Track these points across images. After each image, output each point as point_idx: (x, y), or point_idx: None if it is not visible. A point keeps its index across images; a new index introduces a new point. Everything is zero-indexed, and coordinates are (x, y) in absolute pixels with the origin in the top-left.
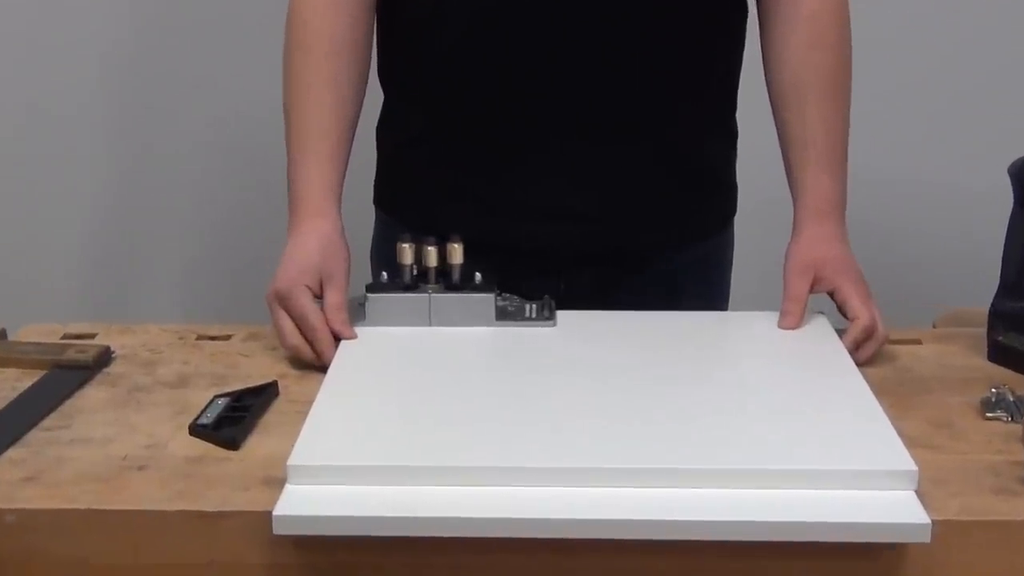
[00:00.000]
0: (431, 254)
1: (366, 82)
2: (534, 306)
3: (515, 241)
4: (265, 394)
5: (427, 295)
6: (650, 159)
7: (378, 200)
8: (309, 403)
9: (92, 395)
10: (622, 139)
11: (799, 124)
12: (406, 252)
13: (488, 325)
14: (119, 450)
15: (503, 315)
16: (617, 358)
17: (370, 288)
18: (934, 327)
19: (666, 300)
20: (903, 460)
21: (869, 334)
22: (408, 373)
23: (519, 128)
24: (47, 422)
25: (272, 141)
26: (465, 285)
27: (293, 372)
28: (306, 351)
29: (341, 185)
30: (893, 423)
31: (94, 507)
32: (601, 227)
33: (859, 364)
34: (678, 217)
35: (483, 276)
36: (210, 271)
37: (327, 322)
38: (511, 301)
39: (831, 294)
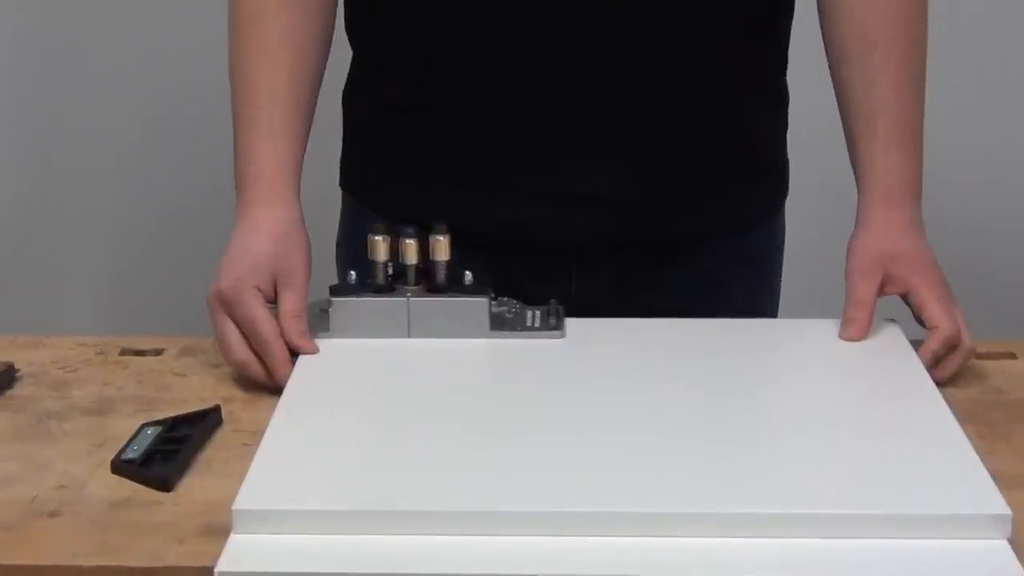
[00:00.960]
0: (410, 248)
1: (331, 36)
2: (538, 313)
3: (517, 231)
4: (205, 422)
5: (405, 299)
6: (684, 130)
7: (345, 182)
8: (259, 434)
9: None
10: (651, 106)
11: (864, 86)
12: (380, 246)
13: (481, 336)
14: (26, 492)
15: (499, 324)
16: (641, 379)
17: (335, 291)
18: None
19: (702, 304)
20: (994, 503)
21: (952, 346)
22: (381, 397)
23: (528, 93)
24: None
25: (206, 120)
26: (453, 287)
27: (240, 395)
28: (256, 369)
29: (300, 162)
30: (981, 457)
31: None
32: (624, 213)
33: (939, 383)
34: (718, 201)
35: (475, 276)
36: (137, 271)
37: (282, 333)
38: (509, 307)
39: (904, 297)
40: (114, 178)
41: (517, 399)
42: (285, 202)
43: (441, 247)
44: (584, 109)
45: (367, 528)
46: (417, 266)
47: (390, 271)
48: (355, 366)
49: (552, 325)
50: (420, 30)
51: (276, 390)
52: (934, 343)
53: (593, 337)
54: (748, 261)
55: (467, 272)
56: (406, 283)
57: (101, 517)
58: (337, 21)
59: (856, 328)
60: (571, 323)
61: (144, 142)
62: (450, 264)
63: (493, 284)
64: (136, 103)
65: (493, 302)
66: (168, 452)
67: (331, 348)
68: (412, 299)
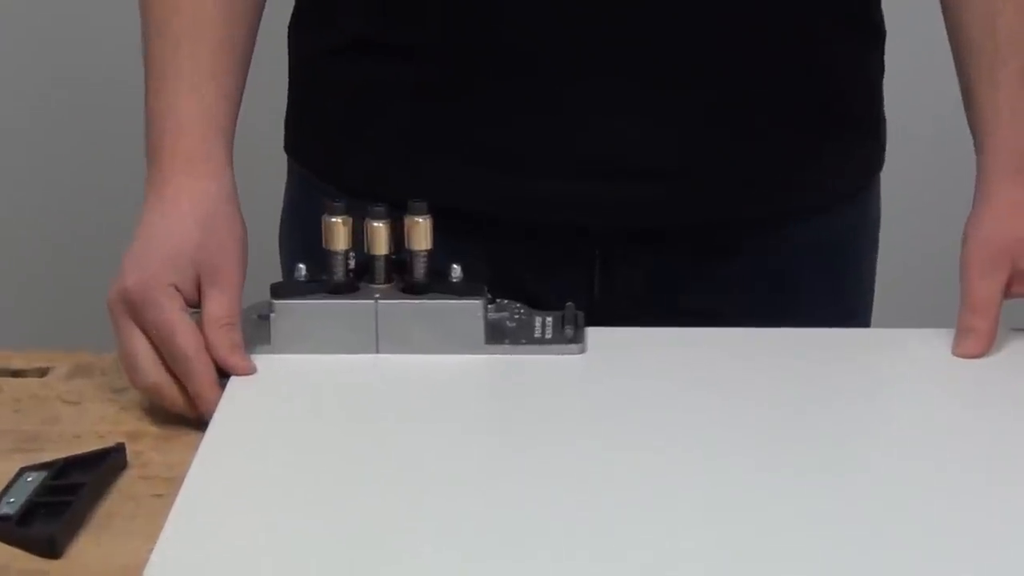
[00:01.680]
0: (379, 233)
1: None
2: (550, 320)
3: (523, 212)
4: (104, 466)
5: (372, 302)
6: (748, 76)
7: (292, 145)
8: (176, 481)
9: None
10: (706, 43)
11: (984, 28)
12: (338, 231)
13: (473, 352)
14: None
15: (498, 335)
16: (688, 414)
17: (278, 290)
18: None
19: (768, 311)
20: None
21: None
22: (338, 436)
23: (545, 27)
24: None
25: (85, 101)
26: (436, 285)
27: (151, 430)
28: (172, 394)
29: (233, 118)
30: None
31: None
32: (668, 190)
33: None
34: (793, 172)
35: (466, 271)
36: (13, 268)
37: (207, 346)
38: (512, 312)
39: None
40: None
41: (521, 441)
42: (213, 171)
43: (420, 232)
44: (619, 48)
45: None
46: (388, 257)
47: (352, 264)
48: (304, 393)
49: (568, 337)
50: None
51: (199, 423)
52: None
53: (622, 354)
54: (832, 252)
55: (455, 266)
56: (373, 280)
57: None
58: None
59: (975, 341)
60: (593, 334)
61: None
62: (433, 255)
63: (490, 282)
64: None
65: (490, 306)
66: (55, 505)
67: (272, 367)
68: (381, 302)
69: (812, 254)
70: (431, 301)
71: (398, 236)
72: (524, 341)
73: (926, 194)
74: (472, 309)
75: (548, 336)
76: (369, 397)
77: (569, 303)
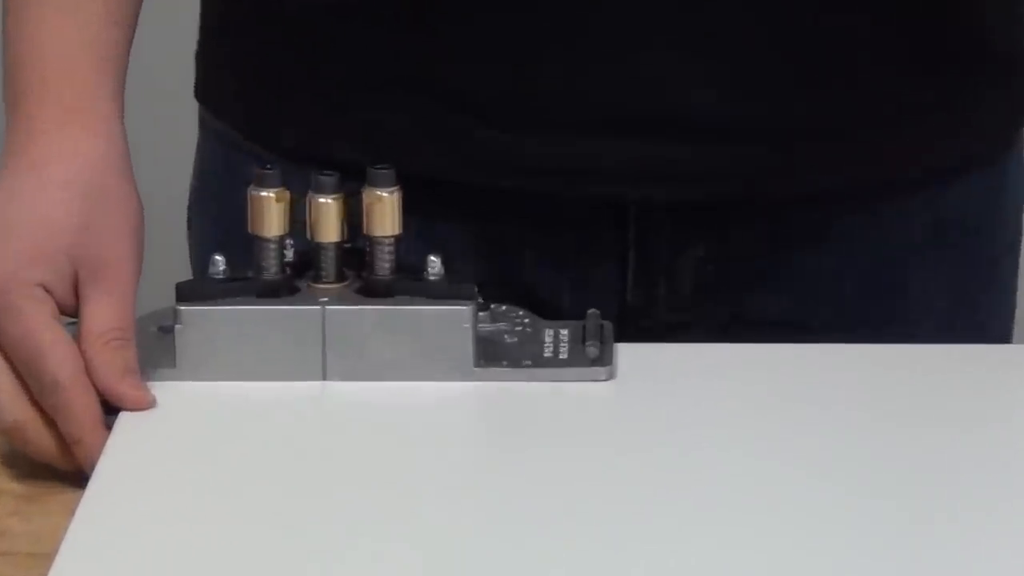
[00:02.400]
0: (328, 212)
1: None
2: (565, 333)
3: (531, 181)
4: None
5: (317, 308)
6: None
7: (205, 92)
8: (47, 558)
9: None
10: None
11: None
12: (269, 209)
13: (458, 378)
14: None
15: (493, 354)
16: (757, 463)
17: (186, 293)
18: None
19: (870, 316)
20: None
21: None
22: (262, 495)
23: None
24: None
25: None
26: (406, 285)
27: (11, 487)
28: (40, 438)
29: (125, 54)
30: None
31: None
32: (729, 151)
33: None
34: (902, 126)
35: (447, 265)
36: None
37: (88, 371)
38: (512, 321)
39: None
40: None
41: (522, 509)
42: (97, 125)
43: (385, 211)
44: None
45: None
46: (340, 246)
47: (289, 255)
48: (220, 435)
49: (591, 357)
50: None
51: (77, 478)
52: None
53: (665, 381)
54: (957, 240)
55: (433, 258)
56: (319, 278)
57: None
58: None
59: None
60: (625, 353)
61: None
62: (401, 242)
63: (483, 280)
64: None
65: (483, 313)
66: None
67: (177, 399)
68: (330, 308)
69: (930, 243)
70: (400, 307)
71: (354, 217)
72: (529, 363)
73: None
74: (457, 318)
75: (562, 356)
76: (310, 443)
77: (592, 310)
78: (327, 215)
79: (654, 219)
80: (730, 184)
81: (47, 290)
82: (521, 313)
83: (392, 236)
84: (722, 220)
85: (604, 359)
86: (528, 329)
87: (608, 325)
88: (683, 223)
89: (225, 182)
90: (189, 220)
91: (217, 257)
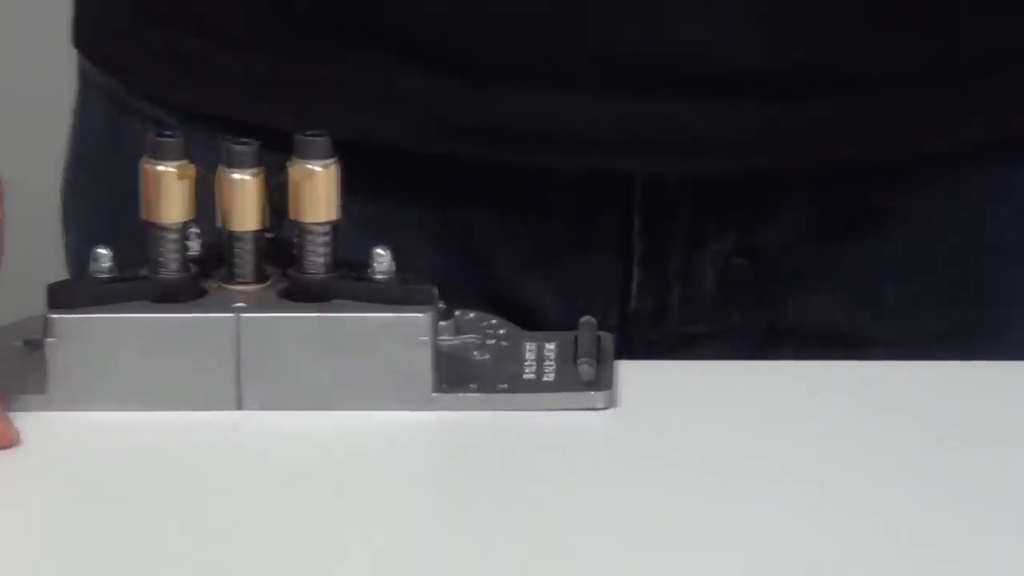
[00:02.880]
0: (244, 192)
1: None
2: (551, 347)
3: (512, 151)
4: None
5: (231, 317)
6: None
7: (79, 34)
8: None
9: None
10: None
11: None
12: (168, 187)
13: (413, 406)
14: None
15: (458, 375)
16: (796, 516)
17: (60, 298)
18: None
19: (947, 326)
20: None
21: None
22: (161, 556)
23: None
24: None
25: None
26: (346, 286)
27: None
28: None
29: None
30: None
31: None
32: (768, 107)
33: None
34: (994, 69)
35: (401, 259)
36: None
37: None
38: (484, 332)
39: None
40: None
41: (492, 572)
42: None
43: (318, 189)
44: None
45: None
46: (260, 235)
47: (194, 247)
48: (104, 482)
49: (584, 379)
50: None
51: None
52: None
53: (679, 407)
54: None
55: (379, 251)
56: (233, 277)
57: None
58: None
59: None
60: (628, 373)
61: None
62: (339, 231)
63: (444, 279)
64: None
65: (444, 322)
66: None
67: (48, 435)
68: (246, 316)
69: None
70: (337, 315)
71: (277, 198)
72: (505, 386)
73: None
74: (411, 328)
75: (548, 377)
76: (218, 493)
77: (586, 318)
78: (243, 196)
79: (667, 200)
80: (768, 154)
81: None
82: (494, 322)
83: (327, 223)
84: (757, 201)
85: (602, 381)
86: (504, 343)
87: (607, 337)
88: (705, 205)
89: (110, 154)
90: (63, 203)
91: (100, 251)
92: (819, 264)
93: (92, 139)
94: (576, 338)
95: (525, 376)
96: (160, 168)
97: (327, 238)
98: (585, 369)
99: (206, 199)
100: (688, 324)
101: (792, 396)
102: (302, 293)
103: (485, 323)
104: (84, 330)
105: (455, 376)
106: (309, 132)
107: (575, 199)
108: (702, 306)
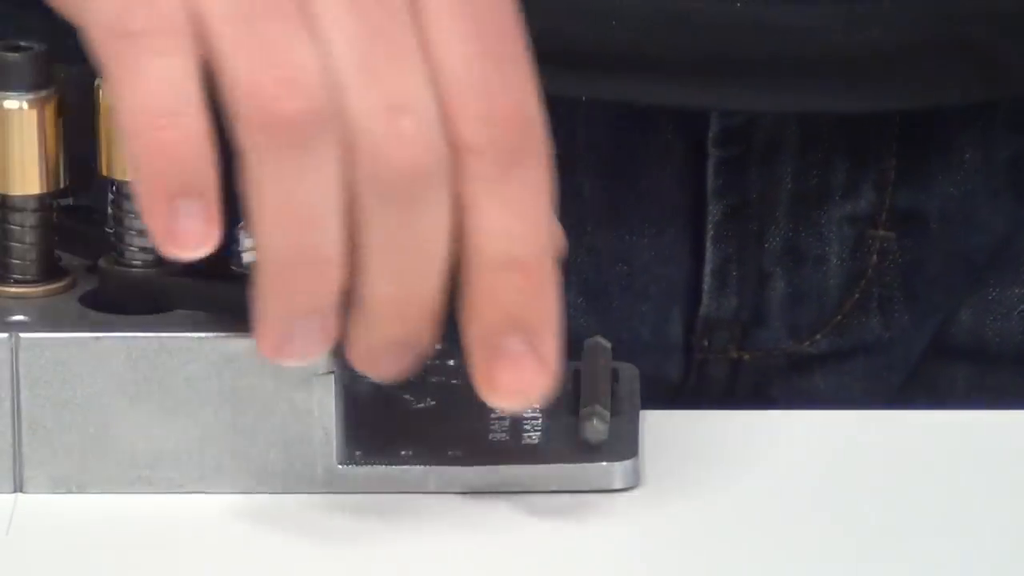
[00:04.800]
0: (19, 132)
1: None
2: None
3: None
4: None
5: (4, 337)
6: None
7: None
8: None
9: None
10: None
11: None
12: None
13: (307, 488)
14: None
15: (382, 436)
16: None
17: None
18: None
19: None
20: None
21: None
22: None
23: None
24: None
25: None
26: (185, 288)
27: None
28: None
29: None
30: None
31: None
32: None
33: None
34: None
35: None
36: None
37: None
38: (425, 364)
39: None
40: None
41: None
42: None
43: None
44: None
45: None
46: (48, 203)
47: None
48: None
49: (593, 440)
50: None
51: None
52: None
53: (715, 481)
54: None
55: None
56: (7, 271)
57: None
58: None
59: None
60: (660, 427)
61: None
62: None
63: None
64: None
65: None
66: None
67: None
68: (27, 338)
69: None
70: (179, 336)
71: (78, 135)
72: (457, 453)
73: None
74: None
75: (529, 438)
76: None
77: (595, 339)
78: (20, 137)
79: (761, 136)
80: (949, 61)
81: None
82: (438, 348)
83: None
84: (912, 140)
85: (621, 446)
86: (455, 381)
87: (627, 370)
88: (824, 143)
89: None
90: None
91: None
92: (1012, 243)
93: None
94: (577, 372)
95: (492, 436)
96: None
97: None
98: (593, 426)
99: None
100: (797, 337)
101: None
102: (120, 299)
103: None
104: None
105: (375, 438)
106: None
107: (595, 153)
108: (820, 309)
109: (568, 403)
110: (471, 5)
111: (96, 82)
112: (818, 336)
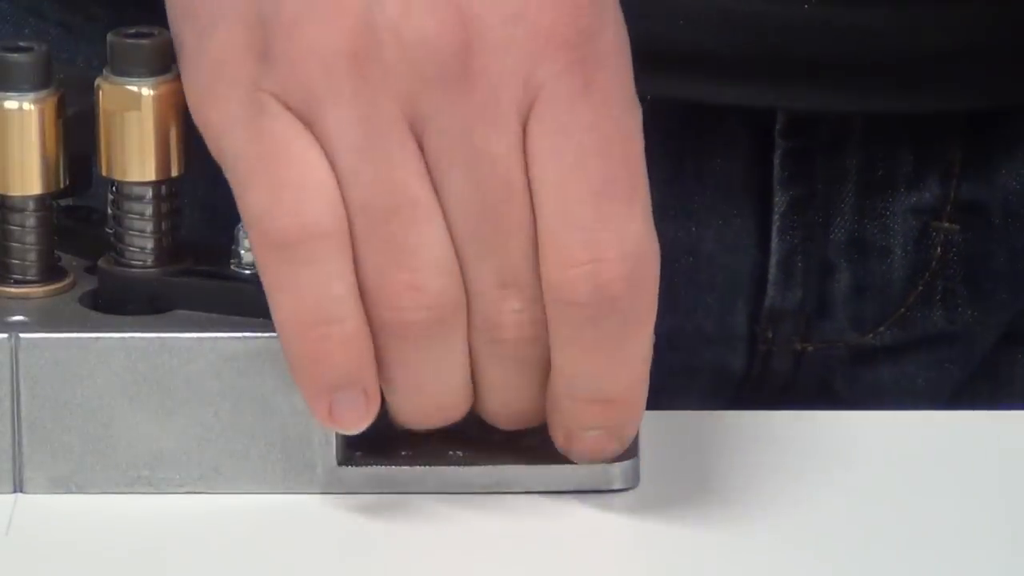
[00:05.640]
0: (19, 134)
1: None
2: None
3: None
4: None
5: (4, 338)
6: None
7: None
8: None
9: None
10: None
11: None
12: None
13: (307, 487)
14: None
15: (380, 436)
16: None
17: None
18: None
19: None
20: None
21: None
22: None
23: None
24: None
25: None
26: (188, 287)
27: None
28: None
29: None
30: None
31: None
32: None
33: None
34: None
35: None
36: None
37: None
38: None
39: None
40: None
41: None
42: None
43: (143, 127)
44: None
45: None
46: (48, 204)
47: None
48: None
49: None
50: None
51: None
52: None
53: (714, 482)
54: None
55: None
56: (8, 271)
57: None
58: None
59: None
60: (655, 423)
61: None
62: (182, 197)
63: None
64: None
65: None
66: None
67: None
68: (27, 338)
69: None
70: (178, 336)
71: (78, 135)
72: (458, 454)
73: None
74: None
75: (530, 439)
76: None
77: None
78: (21, 137)
79: (827, 129)
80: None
81: None
82: None
83: (162, 182)
84: (976, 131)
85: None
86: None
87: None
88: (889, 146)
89: None
90: None
91: None
92: None
93: None
94: None
95: (491, 438)
96: None
97: (162, 208)
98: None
99: None
100: (861, 329)
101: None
102: (119, 300)
103: None
104: None
105: (375, 438)
106: (132, 29)
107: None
108: (883, 301)
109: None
110: (590, 155)
111: (96, 82)
112: (881, 328)
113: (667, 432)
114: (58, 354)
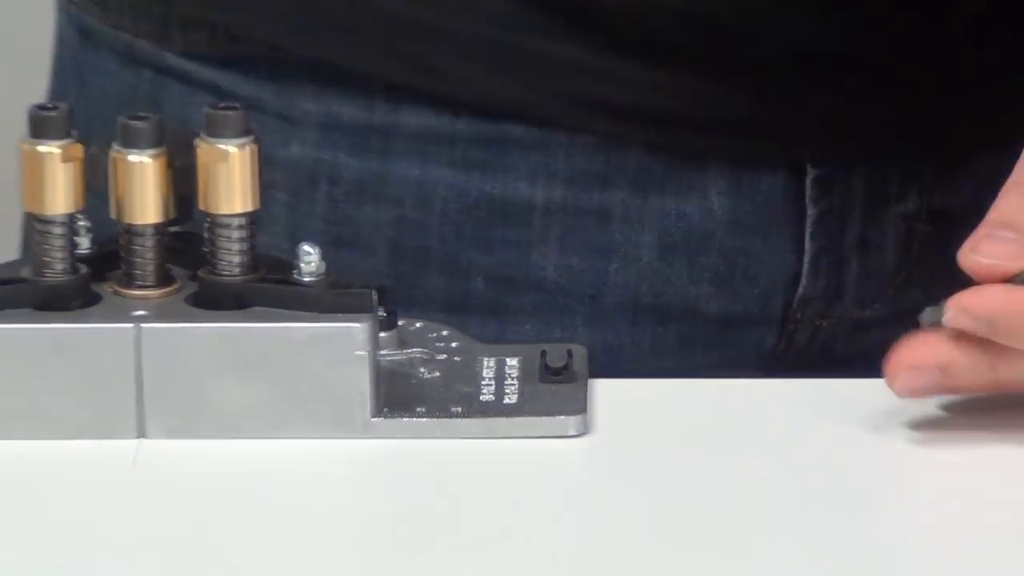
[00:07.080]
0: (142, 177)
1: None
2: (514, 363)
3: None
4: None
5: (131, 327)
6: None
7: None
8: None
9: None
10: None
11: None
12: (50, 170)
13: (348, 434)
14: None
15: (402, 396)
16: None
17: None
18: None
19: None
20: None
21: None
22: None
23: None
24: None
25: None
26: (262, 292)
27: None
28: None
29: None
30: None
31: None
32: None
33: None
34: None
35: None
36: None
37: None
38: (433, 345)
39: None
40: None
41: None
42: None
43: (232, 173)
44: None
45: None
46: (163, 229)
47: (84, 243)
48: None
49: (552, 399)
50: None
51: None
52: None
53: (657, 431)
54: None
55: (307, 248)
56: (132, 280)
57: None
58: None
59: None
60: (606, 390)
61: None
62: (259, 224)
63: (385, 281)
64: None
65: (385, 334)
66: None
67: None
68: (148, 327)
69: None
70: (255, 325)
71: (182, 180)
72: (459, 410)
73: None
74: (346, 341)
75: (509, 399)
76: (116, 537)
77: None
78: (142, 182)
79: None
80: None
81: None
82: (445, 334)
83: (243, 215)
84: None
85: (574, 403)
86: (457, 358)
87: (579, 351)
88: (883, 172)
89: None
90: None
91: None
92: None
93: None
94: (543, 351)
95: (482, 398)
96: (41, 149)
97: (243, 233)
98: (554, 388)
99: (97, 185)
100: (862, 305)
101: (794, 416)
102: (214, 299)
103: (435, 335)
104: None
105: (398, 398)
106: (223, 104)
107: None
108: (879, 283)
109: (537, 373)
110: None
111: (195, 141)
112: (876, 304)
113: (618, 396)
114: (169, 339)
